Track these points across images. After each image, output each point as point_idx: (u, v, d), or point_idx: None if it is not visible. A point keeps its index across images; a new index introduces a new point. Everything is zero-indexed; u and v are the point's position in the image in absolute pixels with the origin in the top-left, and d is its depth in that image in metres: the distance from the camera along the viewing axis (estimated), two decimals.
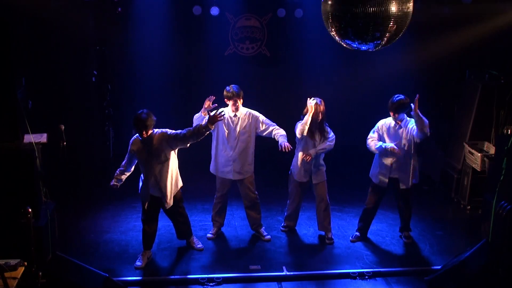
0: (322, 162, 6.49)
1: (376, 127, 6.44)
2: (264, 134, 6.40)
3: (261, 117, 6.39)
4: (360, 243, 6.64)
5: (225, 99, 6.28)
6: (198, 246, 6.44)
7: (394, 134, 6.34)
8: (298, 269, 6.02)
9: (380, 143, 6.33)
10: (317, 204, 6.64)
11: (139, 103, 8.50)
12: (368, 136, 6.45)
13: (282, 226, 6.97)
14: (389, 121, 6.38)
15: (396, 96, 6.26)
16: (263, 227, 6.76)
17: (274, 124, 6.39)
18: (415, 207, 7.68)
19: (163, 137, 5.71)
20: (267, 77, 9.03)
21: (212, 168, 6.55)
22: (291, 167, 6.60)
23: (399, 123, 6.31)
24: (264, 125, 6.35)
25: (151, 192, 5.94)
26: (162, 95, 8.58)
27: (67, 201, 6.09)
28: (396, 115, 6.22)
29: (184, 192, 6.33)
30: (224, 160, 6.39)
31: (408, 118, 6.32)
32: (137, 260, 6.05)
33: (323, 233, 6.75)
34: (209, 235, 6.69)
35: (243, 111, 6.35)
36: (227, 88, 6.26)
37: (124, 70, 8.58)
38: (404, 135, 6.30)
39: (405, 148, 6.30)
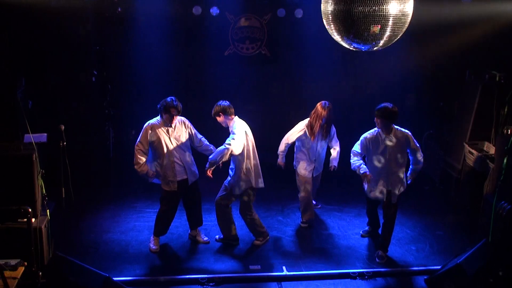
0: None
1: (360, 142, 6.21)
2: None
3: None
4: (360, 243, 6.65)
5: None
6: (204, 239, 6.55)
7: (381, 146, 6.10)
8: (298, 269, 6.02)
9: (358, 163, 6.12)
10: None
11: (139, 103, 8.54)
12: (352, 152, 6.27)
13: (301, 223, 7.11)
14: (374, 132, 6.15)
15: (382, 104, 6.04)
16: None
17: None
18: (415, 207, 7.71)
19: (186, 124, 6.35)
20: (267, 77, 9.02)
21: None
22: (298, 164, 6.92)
23: (389, 133, 6.06)
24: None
25: (178, 178, 6.19)
26: (162, 95, 8.53)
27: (67, 201, 6.08)
28: (386, 122, 5.98)
29: None
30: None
31: (396, 127, 6.11)
32: (152, 244, 6.34)
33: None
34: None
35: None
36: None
37: (124, 70, 8.57)
38: (391, 146, 6.06)
39: (394, 159, 6.08)
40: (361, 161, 6.17)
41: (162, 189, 6.29)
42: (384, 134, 6.07)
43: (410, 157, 6.25)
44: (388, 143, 6.06)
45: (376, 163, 6.15)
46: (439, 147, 8.72)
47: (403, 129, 6.14)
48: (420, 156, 6.20)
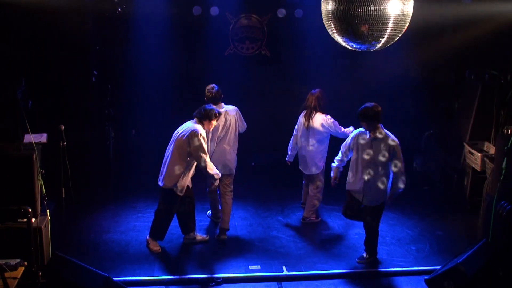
0: None
1: (351, 137, 6.16)
2: None
3: None
4: (360, 243, 6.62)
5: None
6: (204, 236, 6.58)
7: (365, 146, 5.96)
8: (298, 269, 6.02)
9: (334, 164, 6.37)
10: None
11: (139, 103, 8.55)
12: (342, 145, 6.34)
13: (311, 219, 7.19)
14: (364, 130, 6.02)
15: (363, 106, 5.88)
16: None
17: None
18: (415, 207, 7.70)
19: None
20: (267, 77, 9.02)
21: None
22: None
23: (373, 134, 5.88)
24: None
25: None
26: (162, 95, 8.58)
27: (67, 201, 6.09)
28: (363, 124, 5.88)
29: None
30: None
31: (386, 131, 5.88)
32: (151, 245, 6.35)
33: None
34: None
35: None
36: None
37: (124, 70, 8.57)
38: (375, 148, 5.87)
39: (375, 163, 5.88)
40: (339, 162, 6.33)
41: (170, 192, 6.09)
42: (370, 134, 5.92)
43: (390, 175, 5.93)
44: (373, 143, 5.90)
45: (358, 160, 6.03)
46: (439, 147, 8.72)
47: (393, 136, 5.89)
48: (401, 175, 5.81)
